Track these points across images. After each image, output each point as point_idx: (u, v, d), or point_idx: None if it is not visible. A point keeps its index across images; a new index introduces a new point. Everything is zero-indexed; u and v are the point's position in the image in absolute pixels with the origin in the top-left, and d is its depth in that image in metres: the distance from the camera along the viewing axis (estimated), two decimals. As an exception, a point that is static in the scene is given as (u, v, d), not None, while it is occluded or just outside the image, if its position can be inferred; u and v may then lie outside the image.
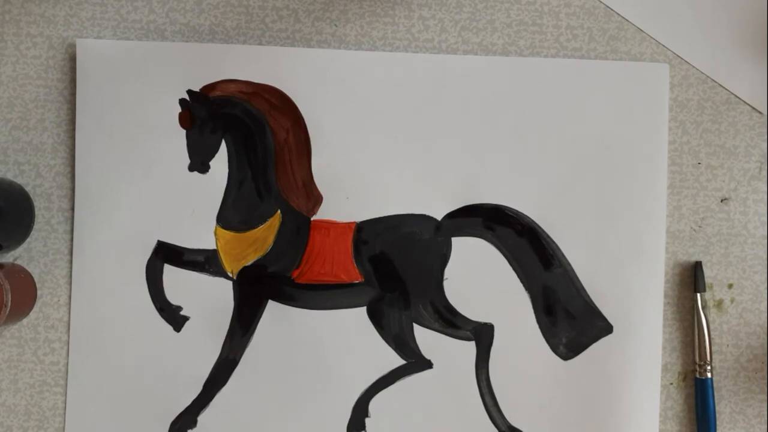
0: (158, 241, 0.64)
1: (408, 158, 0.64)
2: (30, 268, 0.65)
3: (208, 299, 0.64)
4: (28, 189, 0.65)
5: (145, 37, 0.65)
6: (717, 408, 0.65)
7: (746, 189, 0.65)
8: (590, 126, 0.64)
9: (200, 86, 0.64)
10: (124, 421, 0.64)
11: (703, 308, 0.64)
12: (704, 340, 0.63)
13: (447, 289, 0.64)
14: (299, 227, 0.64)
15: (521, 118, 0.64)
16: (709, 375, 0.63)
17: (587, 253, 0.64)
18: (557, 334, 0.64)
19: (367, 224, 0.64)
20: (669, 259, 0.65)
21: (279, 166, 0.64)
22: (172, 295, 0.64)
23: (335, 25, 0.66)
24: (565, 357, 0.64)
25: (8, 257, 0.65)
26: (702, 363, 0.63)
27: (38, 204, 0.65)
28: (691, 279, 0.65)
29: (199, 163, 0.64)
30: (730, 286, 0.65)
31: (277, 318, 0.64)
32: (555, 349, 0.64)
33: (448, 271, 0.64)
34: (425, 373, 0.64)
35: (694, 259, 0.65)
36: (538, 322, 0.64)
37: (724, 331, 0.65)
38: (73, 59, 0.65)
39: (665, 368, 0.65)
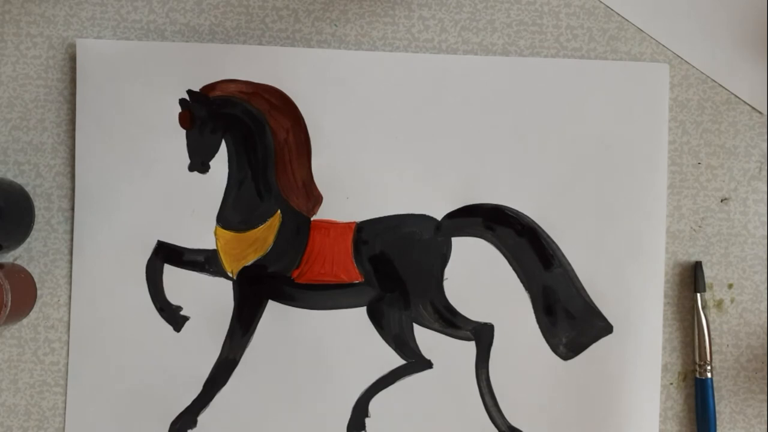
0: (158, 241, 0.64)
1: (408, 158, 0.64)
2: (30, 268, 0.65)
3: (208, 299, 0.64)
4: (28, 189, 0.65)
5: (145, 37, 0.65)
6: (717, 408, 0.65)
7: (746, 189, 0.65)
8: (590, 126, 0.64)
9: (200, 86, 0.64)
10: (124, 421, 0.64)
11: (703, 308, 0.64)
12: (704, 340, 0.63)
13: (447, 289, 0.64)
14: (299, 227, 0.64)
15: (521, 118, 0.64)
16: (709, 375, 0.63)
17: (587, 253, 0.64)
18: (557, 334, 0.64)
19: (367, 224, 0.64)
20: (669, 259, 0.65)
21: (279, 166, 0.64)
22: (172, 295, 0.64)
23: (335, 25, 0.66)
24: (565, 357, 0.64)
25: (8, 257, 0.65)
26: (702, 363, 0.63)
27: (38, 204, 0.65)
28: (691, 279, 0.65)
29: (199, 163, 0.64)
30: (730, 286, 0.65)
31: (277, 318, 0.64)
32: (555, 349, 0.64)
33: (448, 271, 0.64)
34: (425, 373, 0.64)
35: (694, 259, 0.65)
36: (538, 322, 0.64)
37: (724, 331, 0.65)
38: (73, 59, 0.65)
39: (665, 368, 0.65)
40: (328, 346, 0.64)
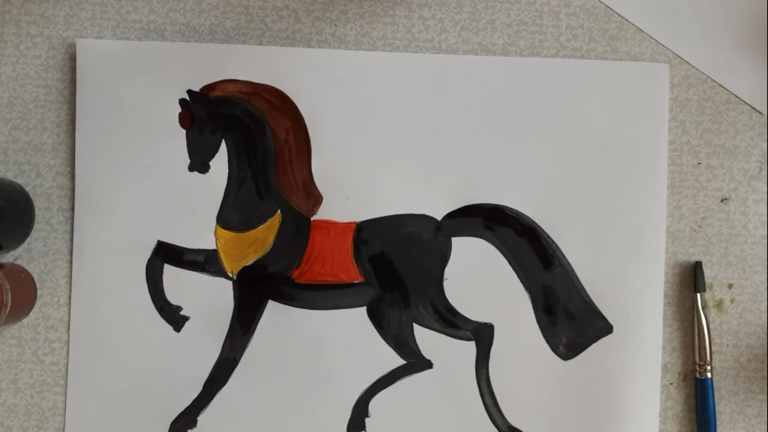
0: (158, 241, 0.64)
1: (408, 158, 0.64)
2: (30, 268, 0.65)
3: (208, 299, 0.64)
4: (28, 189, 0.65)
5: (145, 37, 0.65)
6: (717, 408, 0.65)
7: (746, 189, 0.65)
8: (590, 126, 0.64)
9: (200, 86, 0.64)
10: (124, 421, 0.64)
11: (703, 308, 0.64)
12: (704, 340, 0.63)
13: (447, 289, 0.64)
14: (299, 227, 0.64)
15: (521, 118, 0.64)
16: (709, 375, 0.63)
17: (587, 253, 0.64)
18: (557, 334, 0.64)
19: (367, 224, 0.64)
20: (669, 259, 0.65)
21: (279, 166, 0.64)
22: (172, 295, 0.64)
23: (335, 25, 0.66)
24: (565, 357, 0.64)
25: (8, 257, 0.65)
26: (702, 363, 0.63)
27: (38, 204, 0.65)
28: (691, 279, 0.65)
29: (199, 163, 0.64)
30: (730, 286, 0.65)
31: (277, 318, 0.64)
32: (555, 349, 0.64)
33: (448, 271, 0.64)
34: (425, 373, 0.64)
35: (694, 259, 0.65)
36: (538, 322, 0.64)
37: (724, 331, 0.65)
38: (73, 59, 0.65)
39: (665, 368, 0.65)
40: (328, 346, 0.64)
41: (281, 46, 0.65)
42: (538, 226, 0.64)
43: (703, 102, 0.65)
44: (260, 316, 0.64)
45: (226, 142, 0.65)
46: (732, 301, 0.65)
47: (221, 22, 0.66)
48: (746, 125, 0.65)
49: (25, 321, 0.65)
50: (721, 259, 0.65)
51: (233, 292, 0.64)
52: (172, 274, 0.64)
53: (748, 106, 0.66)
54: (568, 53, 0.65)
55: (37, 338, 0.65)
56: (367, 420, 0.64)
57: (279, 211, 0.64)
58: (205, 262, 0.64)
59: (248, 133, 0.64)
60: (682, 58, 0.65)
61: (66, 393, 0.65)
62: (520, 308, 0.64)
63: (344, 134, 0.64)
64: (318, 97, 0.64)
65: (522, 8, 0.66)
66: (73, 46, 0.65)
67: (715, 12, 0.65)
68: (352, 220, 0.64)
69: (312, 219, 0.64)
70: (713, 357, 0.65)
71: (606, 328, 0.64)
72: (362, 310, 0.64)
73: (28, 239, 0.65)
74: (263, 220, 0.65)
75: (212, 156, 0.65)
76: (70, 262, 0.65)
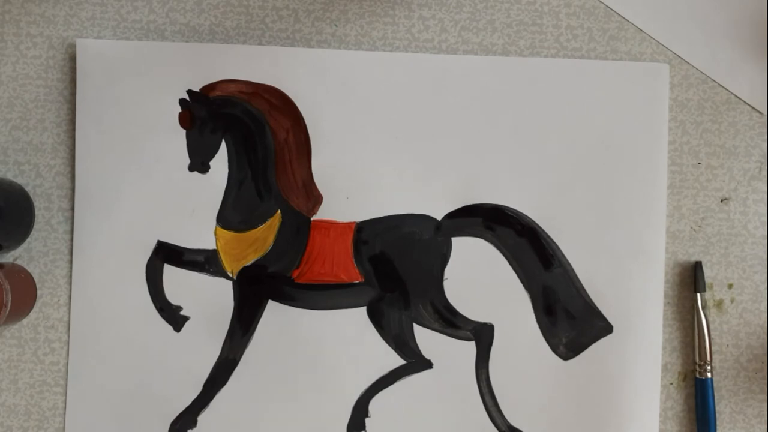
0: (158, 241, 0.64)
1: (408, 158, 0.64)
2: (30, 268, 0.65)
3: (208, 299, 0.64)
4: (28, 189, 0.65)
5: (145, 37, 0.65)
6: (717, 408, 0.65)
7: (746, 189, 0.65)
8: (590, 126, 0.64)
9: (200, 86, 0.64)
10: (124, 421, 0.64)
11: (703, 308, 0.64)
12: (704, 340, 0.63)
13: (447, 289, 0.64)
14: (299, 227, 0.64)
15: (521, 118, 0.64)
16: (709, 375, 0.63)
17: (587, 253, 0.64)
18: (557, 334, 0.64)
19: (367, 224, 0.64)
20: (669, 259, 0.65)
21: (279, 166, 0.64)
22: (172, 295, 0.64)
23: (335, 25, 0.66)
24: (565, 357, 0.64)
25: (8, 257, 0.65)
26: (702, 363, 0.63)
27: (38, 204, 0.65)
28: (691, 279, 0.65)
29: (199, 163, 0.64)
30: (730, 286, 0.65)
31: (277, 318, 0.64)
32: (555, 349, 0.64)
33: (448, 271, 0.64)
34: (425, 373, 0.64)
35: (694, 259, 0.65)
36: (538, 322, 0.64)
37: (724, 331, 0.65)
38: (73, 59, 0.65)
39: (665, 368, 0.65)
40: (328, 346, 0.64)
41: (281, 46, 0.65)
42: (538, 226, 0.64)
43: (703, 102, 0.65)
44: (260, 316, 0.64)
45: (226, 142, 0.65)
46: (732, 301, 0.65)
47: (221, 22, 0.66)
48: (746, 125, 0.65)
49: (25, 321, 0.65)
50: (721, 259, 0.65)
51: (233, 292, 0.64)
52: (172, 274, 0.64)
53: (748, 106, 0.66)
54: (568, 53, 0.65)
55: (37, 338, 0.65)
56: (367, 420, 0.64)
57: (279, 211, 0.64)
58: (205, 262, 0.64)
59: (248, 133, 0.64)
60: (682, 58, 0.66)
61: (66, 393, 0.65)
62: (520, 308, 0.64)
63: (344, 134, 0.64)
64: (318, 97, 0.64)
65: (522, 8, 0.66)
66: (73, 46, 0.65)
67: (715, 12, 0.65)
68: (352, 220, 0.64)
69: (312, 219, 0.64)
70: (713, 357, 0.65)
71: (606, 328, 0.64)
72: (362, 310, 0.64)
73: (28, 239, 0.65)
74: (263, 220, 0.65)
75: (212, 156, 0.65)
76: (70, 262, 0.65)
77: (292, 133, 0.64)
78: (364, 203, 0.64)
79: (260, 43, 0.66)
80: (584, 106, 0.64)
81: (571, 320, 0.64)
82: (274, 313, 0.64)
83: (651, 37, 0.66)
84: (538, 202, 0.64)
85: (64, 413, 0.65)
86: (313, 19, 0.66)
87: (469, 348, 0.64)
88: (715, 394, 0.65)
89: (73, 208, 0.65)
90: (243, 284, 0.64)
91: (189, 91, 0.64)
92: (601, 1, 0.66)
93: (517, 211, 0.64)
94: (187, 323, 0.64)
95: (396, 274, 0.64)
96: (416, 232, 0.64)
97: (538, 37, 0.65)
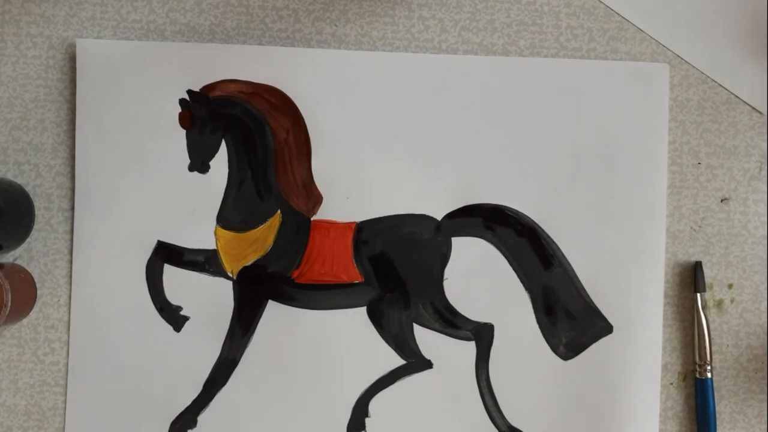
0: (158, 241, 0.64)
1: (408, 158, 0.64)
2: (30, 268, 0.65)
3: (208, 299, 0.64)
4: (28, 189, 0.65)
5: (145, 37, 0.65)
6: (717, 408, 0.65)
7: (746, 189, 0.65)
8: (590, 126, 0.64)
9: (200, 86, 0.64)
10: (124, 421, 0.64)
11: (703, 308, 0.64)
12: (704, 340, 0.63)
13: (447, 289, 0.64)
14: (299, 227, 0.64)
15: (521, 118, 0.64)
16: (709, 375, 0.63)
17: (587, 253, 0.64)
18: (557, 334, 0.64)
19: (367, 224, 0.64)
20: (669, 259, 0.65)
21: (279, 166, 0.64)
22: (172, 295, 0.64)
23: (335, 25, 0.66)
24: (565, 357, 0.64)
25: (8, 257, 0.65)
26: (702, 363, 0.63)
27: (38, 204, 0.65)
28: (691, 279, 0.65)
29: (199, 163, 0.64)
30: (730, 286, 0.65)
31: (277, 318, 0.64)
32: (555, 349, 0.64)
33: (448, 271, 0.64)
34: (425, 373, 0.64)
35: (694, 259, 0.65)
36: (538, 322, 0.64)
37: (724, 331, 0.65)
38: (73, 59, 0.65)
39: (665, 368, 0.65)
40: (328, 346, 0.64)
41: (281, 46, 0.65)
42: (538, 226, 0.64)
43: (703, 102, 0.65)
44: (260, 316, 0.64)
45: (226, 142, 0.65)
46: (732, 301, 0.65)
47: (221, 22, 0.66)
48: (746, 125, 0.65)
49: (25, 321, 0.65)
50: (721, 259, 0.65)
51: (233, 292, 0.64)
52: (172, 274, 0.64)
53: (748, 106, 0.66)
54: (568, 53, 0.65)
55: (37, 338, 0.65)
56: (367, 420, 0.64)
57: (279, 211, 0.64)
58: (205, 262, 0.64)
59: (248, 133, 0.64)
60: (682, 58, 0.65)
61: (66, 393, 0.65)
62: (520, 308, 0.64)
63: (344, 134, 0.64)
64: (318, 97, 0.64)
65: (522, 8, 0.66)
66: (73, 46, 0.65)
67: (715, 12, 0.65)
68: (352, 220, 0.64)
69: (312, 219, 0.64)
70: (713, 357, 0.65)
71: (606, 328, 0.64)
72: (362, 310, 0.64)
73: (28, 239, 0.65)
74: (263, 220, 0.65)
75: (212, 156, 0.65)
76: (70, 262, 0.65)
77: (292, 133, 0.64)
78: (364, 203, 0.64)
79: (260, 43, 0.66)
80: (584, 106, 0.64)
81: (571, 320, 0.64)
82: (274, 313, 0.64)
83: (651, 37, 0.66)
84: (538, 202, 0.64)
85: (64, 413, 0.65)
86: (313, 19, 0.66)
87: (469, 348, 0.64)
88: (715, 394, 0.65)
89: (73, 208, 0.65)
90: (243, 284, 0.64)
91: (189, 91, 0.64)
92: (601, 1, 0.66)
93: (517, 211, 0.64)
94: (187, 323, 0.64)
95: (396, 274, 0.64)
96: (416, 232, 0.64)
97: (538, 37, 0.65)
